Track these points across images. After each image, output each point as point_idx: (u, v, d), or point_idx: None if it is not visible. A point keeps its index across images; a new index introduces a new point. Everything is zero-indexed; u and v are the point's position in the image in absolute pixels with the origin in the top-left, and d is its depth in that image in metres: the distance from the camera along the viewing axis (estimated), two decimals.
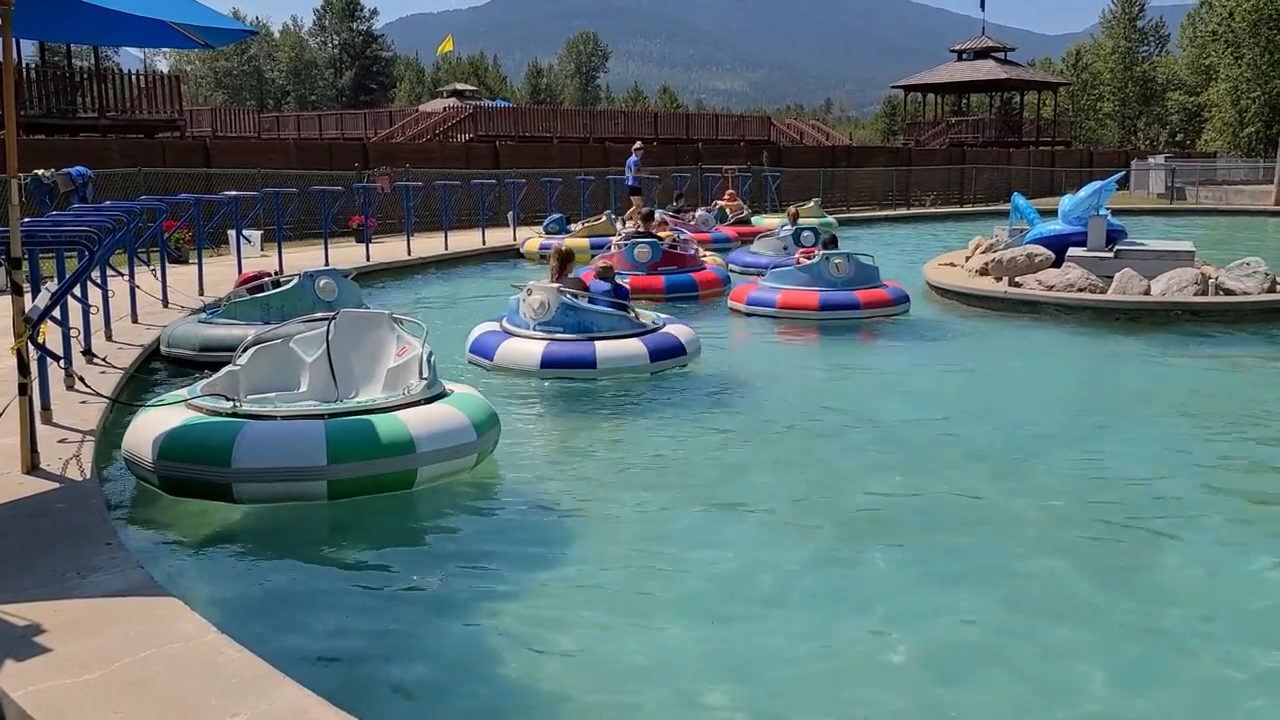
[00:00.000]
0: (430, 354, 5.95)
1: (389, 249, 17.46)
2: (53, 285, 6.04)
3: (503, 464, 6.12)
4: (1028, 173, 39.22)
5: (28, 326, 5.07)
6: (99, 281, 8.90)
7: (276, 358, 6.38)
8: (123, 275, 10.16)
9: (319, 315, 6.72)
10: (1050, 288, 11.97)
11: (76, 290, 7.50)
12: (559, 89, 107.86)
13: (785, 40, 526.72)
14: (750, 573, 4.69)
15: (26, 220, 6.72)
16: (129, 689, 3.04)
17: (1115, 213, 14.90)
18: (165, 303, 10.81)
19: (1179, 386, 8.74)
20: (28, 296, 5.35)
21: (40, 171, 14.43)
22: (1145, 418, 7.61)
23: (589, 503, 5.59)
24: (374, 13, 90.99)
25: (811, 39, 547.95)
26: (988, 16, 52.63)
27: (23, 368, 5.05)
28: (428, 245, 17.93)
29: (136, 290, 10.02)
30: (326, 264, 13.10)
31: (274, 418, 5.32)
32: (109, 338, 8.85)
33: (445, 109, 37.51)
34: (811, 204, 23.40)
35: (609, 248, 13.53)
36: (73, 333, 7.00)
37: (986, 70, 48.65)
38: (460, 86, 51.63)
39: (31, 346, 5.19)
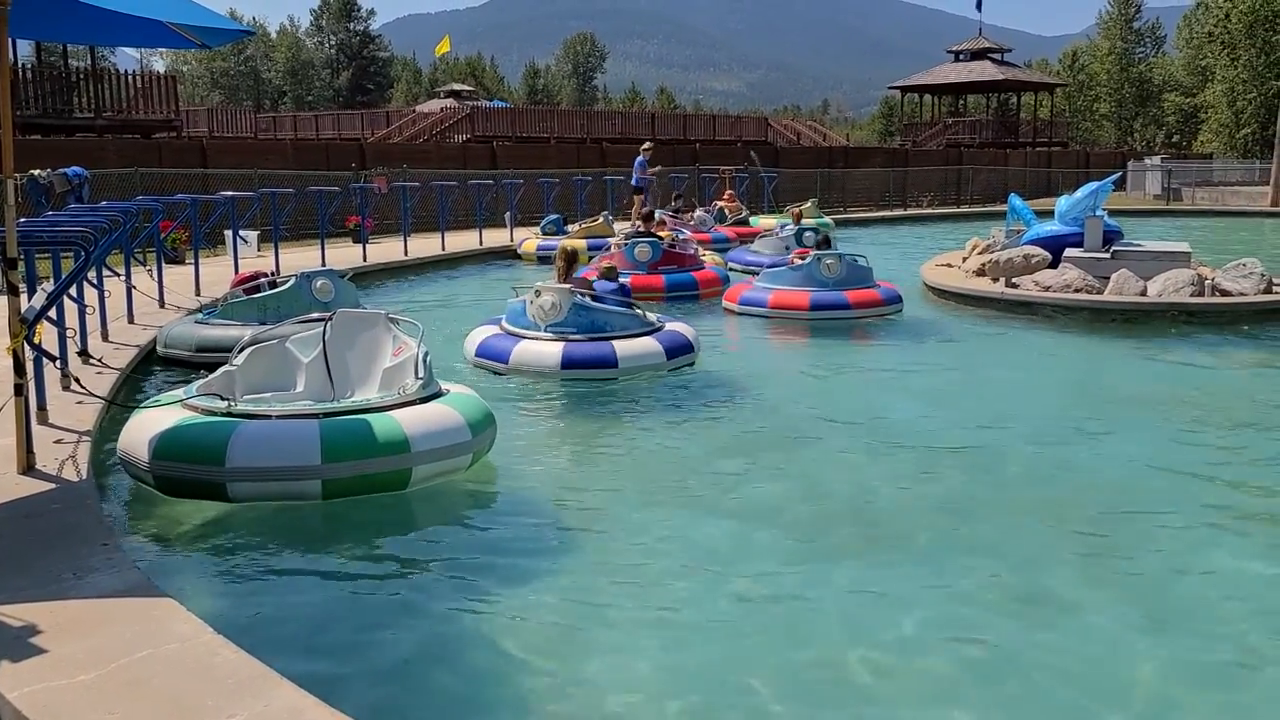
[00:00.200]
0: (426, 354, 5.94)
1: (386, 249, 17.45)
2: (49, 286, 6.04)
3: (499, 464, 6.11)
4: (1024, 174, 39.29)
5: (24, 327, 5.07)
6: (95, 282, 8.89)
7: (273, 358, 6.37)
8: (119, 276, 10.14)
9: (315, 315, 6.71)
10: (1047, 288, 11.98)
11: (73, 290, 7.49)
12: (556, 89, 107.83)
13: (782, 41, 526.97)
14: (749, 574, 4.68)
15: (23, 220, 6.71)
16: (125, 690, 3.03)
17: (1112, 214, 14.92)
18: (162, 303, 10.80)
19: (1175, 387, 8.76)
20: (24, 297, 5.35)
21: (36, 172, 14.40)
22: (1141, 419, 7.61)
23: (585, 503, 5.58)
24: (371, 13, 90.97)
25: (809, 40, 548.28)
26: (984, 18, 52.75)
27: (19, 368, 5.04)
28: (425, 246, 17.92)
29: (133, 290, 10.01)
30: (323, 264, 13.08)
31: (268, 417, 5.32)
32: (105, 338, 8.84)
33: (442, 109, 37.48)
34: (809, 205, 23.41)
35: (608, 248, 13.54)
36: (69, 333, 6.98)
37: (983, 71, 48.69)
38: (457, 87, 51.57)
39: (28, 347, 5.19)
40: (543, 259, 17.09)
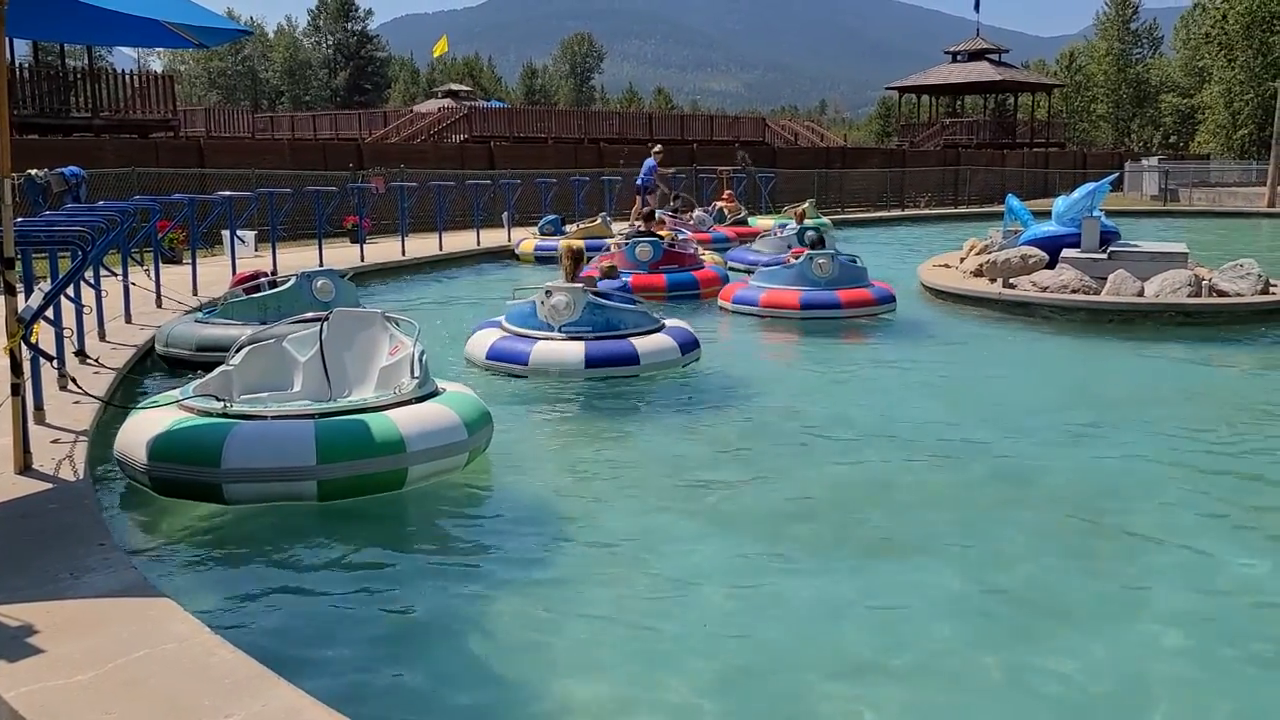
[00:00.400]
0: (422, 353, 5.93)
1: (383, 249, 17.43)
2: (46, 285, 6.03)
3: (495, 463, 6.11)
4: (1022, 174, 39.33)
5: (21, 327, 5.06)
6: (92, 281, 8.88)
7: (270, 358, 6.36)
8: (116, 275, 10.13)
9: (311, 315, 6.70)
10: (1044, 289, 11.99)
11: (70, 290, 7.48)
12: (554, 90, 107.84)
13: (780, 41, 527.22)
14: (748, 576, 4.68)
15: (20, 220, 6.70)
16: (122, 690, 3.03)
17: (1109, 214, 14.94)
18: (159, 303, 10.79)
19: (1172, 388, 8.77)
20: (21, 296, 5.34)
21: (33, 171, 14.38)
22: (1138, 419, 7.61)
23: (581, 503, 5.58)
24: (369, 13, 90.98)
25: (806, 40, 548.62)
26: (982, 18, 52.85)
27: (15, 368, 5.04)
28: (422, 246, 17.91)
29: (130, 290, 10.00)
30: (321, 264, 13.06)
31: (264, 418, 5.31)
32: (102, 338, 8.82)
33: (440, 109, 37.49)
34: (806, 205, 23.42)
35: (607, 248, 13.56)
36: (66, 333, 6.98)
37: (981, 72, 48.75)
38: (455, 87, 51.60)
39: (25, 347, 5.18)
40: (540, 259, 17.11)
